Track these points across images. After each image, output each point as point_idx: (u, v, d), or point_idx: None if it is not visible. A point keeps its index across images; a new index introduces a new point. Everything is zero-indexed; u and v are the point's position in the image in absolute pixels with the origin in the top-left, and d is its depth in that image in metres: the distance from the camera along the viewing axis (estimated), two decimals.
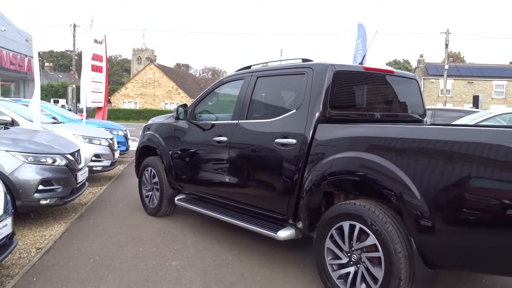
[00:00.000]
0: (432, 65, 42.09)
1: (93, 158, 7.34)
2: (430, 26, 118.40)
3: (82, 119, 9.84)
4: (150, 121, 5.93)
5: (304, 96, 3.61)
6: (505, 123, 8.41)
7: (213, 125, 4.56)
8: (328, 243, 3.19)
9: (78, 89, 29.69)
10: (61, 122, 8.47)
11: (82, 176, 5.43)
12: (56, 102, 37.05)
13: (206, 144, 4.56)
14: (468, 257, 2.62)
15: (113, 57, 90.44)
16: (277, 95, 4.30)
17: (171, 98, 43.82)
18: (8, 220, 3.27)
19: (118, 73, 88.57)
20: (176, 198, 5.14)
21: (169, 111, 21.31)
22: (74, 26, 33.95)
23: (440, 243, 2.63)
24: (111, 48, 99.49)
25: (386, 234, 2.79)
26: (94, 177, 8.07)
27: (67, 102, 38.08)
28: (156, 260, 3.97)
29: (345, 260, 3.09)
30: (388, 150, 2.93)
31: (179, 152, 5.01)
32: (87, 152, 6.92)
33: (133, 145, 8.50)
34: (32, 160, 4.72)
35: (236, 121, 4.22)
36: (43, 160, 4.83)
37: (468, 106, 26.13)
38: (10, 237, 3.35)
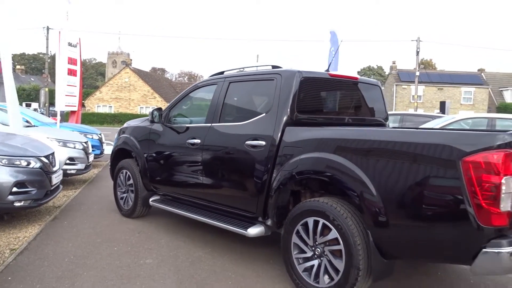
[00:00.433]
0: (404, 72, 43.24)
1: (67, 161, 7.34)
2: (403, 34, 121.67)
3: (56, 123, 9.79)
4: (125, 124, 6.03)
5: (273, 100, 3.83)
6: (467, 127, 8.90)
7: (187, 128, 4.71)
8: (294, 239, 3.40)
9: (51, 92, 29.25)
10: (34, 126, 8.42)
11: (56, 178, 5.47)
12: (28, 105, 36.29)
13: (180, 146, 4.71)
14: (415, 247, 2.89)
15: (87, 61, 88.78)
16: (248, 99, 4.50)
17: (146, 102, 43.45)
18: None
19: (92, 77, 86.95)
20: (150, 200, 5.25)
21: (145, 115, 21.10)
22: (48, 28, 33.44)
23: (393, 235, 2.91)
24: (85, 51, 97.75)
25: (346, 229, 3.02)
26: (68, 180, 8.07)
27: (39, 106, 37.24)
28: (131, 258, 4.08)
29: (309, 253, 3.31)
30: (347, 150, 3.19)
31: (154, 154, 5.13)
32: (61, 155, 6.93)
33: (108, 149, 8.53)
34: (6, 162, 4.76)
35: (209, 124, 4.39)
36: (17, 162, 4.87)
37: (437, 112, 27.12)
38: None
